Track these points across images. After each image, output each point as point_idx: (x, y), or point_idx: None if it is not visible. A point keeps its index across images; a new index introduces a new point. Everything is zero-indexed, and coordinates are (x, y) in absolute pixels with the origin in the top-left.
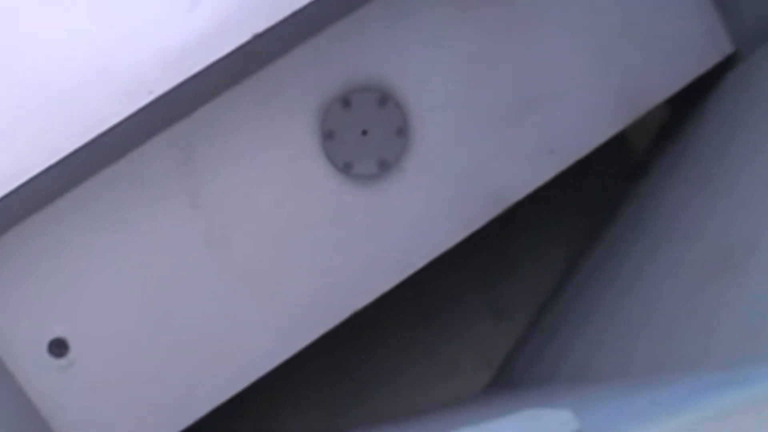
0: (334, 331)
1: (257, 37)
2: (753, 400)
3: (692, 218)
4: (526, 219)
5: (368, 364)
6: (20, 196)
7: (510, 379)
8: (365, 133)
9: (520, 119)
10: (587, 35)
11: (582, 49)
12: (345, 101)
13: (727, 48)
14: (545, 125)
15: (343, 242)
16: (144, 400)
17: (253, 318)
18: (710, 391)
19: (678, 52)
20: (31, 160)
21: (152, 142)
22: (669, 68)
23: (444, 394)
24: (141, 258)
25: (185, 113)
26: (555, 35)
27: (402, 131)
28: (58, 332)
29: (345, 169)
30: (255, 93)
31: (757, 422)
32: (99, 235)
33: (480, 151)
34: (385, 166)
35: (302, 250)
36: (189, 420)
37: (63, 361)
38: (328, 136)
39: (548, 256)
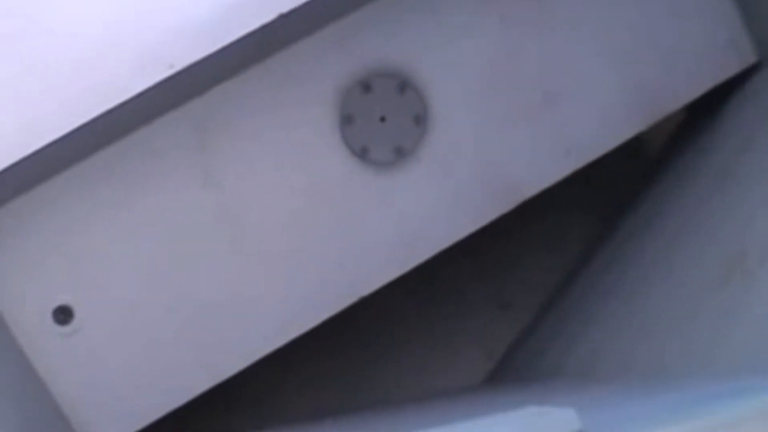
0: (340, 315)
1: (282, 17)
2: (760, 412)
3: (706, 223)
4: (536, 213)
5: (371, 350)
6: (34, 162)
7: (511, 372)
8: (383, 119)
9: (538, 115)
10: (610, 37)
11: (604, 50)
12: (365, 86)
13: (750, 57)
14: (563, 123)
15: (354, 227)
16: (147, 372)
17: (261, 297)
18: (716, 399)
19: (700, 58)
20: (47, 126)
21: (168, 116)
22: (690, 74)
23: (444, 383)
24: (150, 231)
25: (203, 90)
26: (578, 34)
27: (420, 120)
28: (63, 300)
29: (361, 154)
30: (275, 73)
31: None
32: (109, 206)
33: (496, 145)
34: (401, 154)
35: (313, 233)
36: (191, 394)
37: (67, 329)
38: (346, 120)
39: (556, 251)
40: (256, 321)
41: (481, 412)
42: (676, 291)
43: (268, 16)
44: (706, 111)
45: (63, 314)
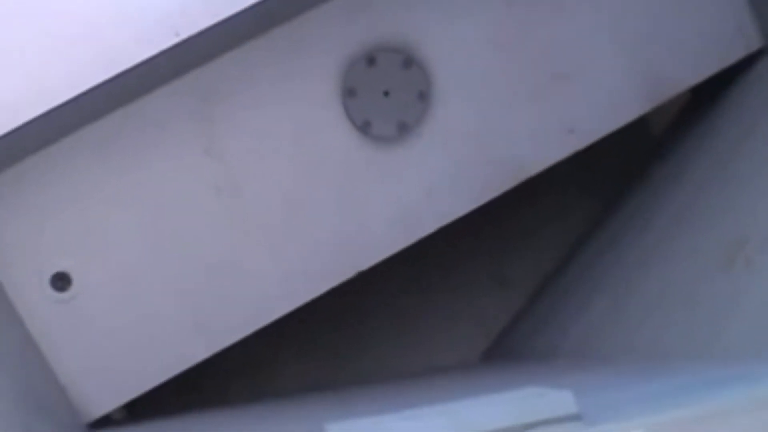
0: (337, 289)
1: None
2: (757, 400)
3: (708, 207)
4: (538, 192)
5: (369, 325)
6: (36, 128)
7: (508, 350)
8: (387, 94)
9: (543, 94)
10: (617, 19)
11: (611, 31)
12: (370, 59)
13: (755, 43)
14: (567, 103)
15: (355, 201)
16: (144, 340)
17: (260, 267)
18: (714, 386)
19: (706, 42)
20: (50, 92)
21: (172, 85)
22: (695, 58)
23: (441, 359)
24: (151, 199)
25: (208, 59)
26: (585, 15)
27: (424, 95)
28: (62, 266)
29: (363, 128)
30: (280, 44)
31: (763, 422)
32: (110, 173)
33: (499, 123)
34: (404, 129)
35: (313, 205)
36: (188, 363)
37: (65, 295)
38: (349, 93)
39: (557, 231)
40: (255, 292)
41: (479, 390)
42: (676, 275)
43: None
44: (710, 95)
45: (61, 281)
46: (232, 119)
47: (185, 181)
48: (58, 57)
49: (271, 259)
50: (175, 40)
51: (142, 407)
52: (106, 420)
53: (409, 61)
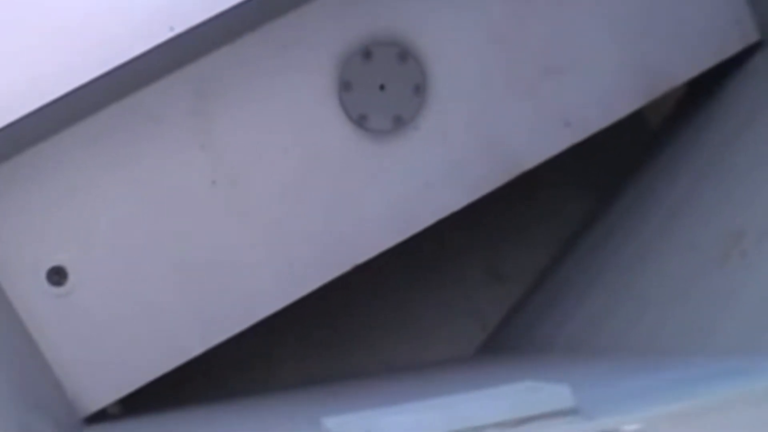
0: (333, 283)
1: None
2: (753, 394)
3: (704, 200)
4: (533, 186)
5: (365, 319)
6: (32, 122)
7: (504, 343)
8: (383, 87)
9: (539, 88)
10: (614, 11)
11: (607, 24)
12: (366, 53)
13: (752, 36)
14: (563, 96)
15: (350, 194)
16: (141, 334)
17: (256, 261)
18: (711, 380)
19: (702, 36)
20: (46, 86)
21: (167, 79)
22: (692, 51)
23: (438, 353)
24: (147, 194)
25: (203, 54)
26: (581, 8)
27: (420, 89)
28: (58, 260)
29: (359, 121)
30: (276, 38)
31: (758, 417)
32: (107, 168)
33: (495, 116)
34: (400, 123)
35: (309, 199)
36: (183, 358)
37: (61, 290)
38: (345, 86)
39: (554, 225)
40: (251, 285)
41: (476, 384)
42: (672, 269)
43: None
44: (707, 88)
45: (57, 275)
46: (227, 113)
47: (181, 176)
48: (52, 52)
49: (267, 253)
50: (170, 34)
51: (137, 402)
52: (101, 414)
53: (404, 54)
